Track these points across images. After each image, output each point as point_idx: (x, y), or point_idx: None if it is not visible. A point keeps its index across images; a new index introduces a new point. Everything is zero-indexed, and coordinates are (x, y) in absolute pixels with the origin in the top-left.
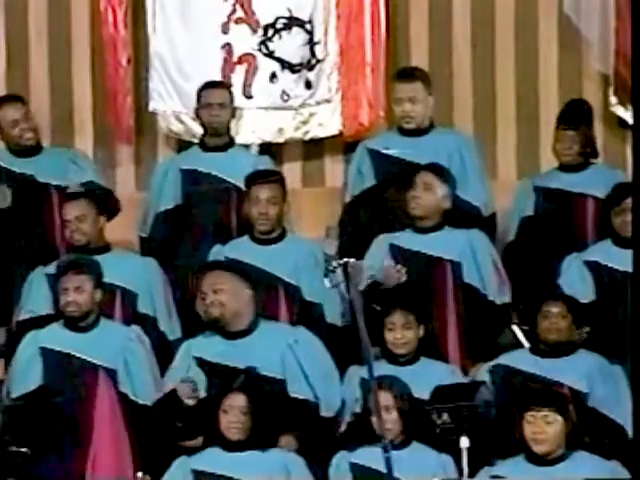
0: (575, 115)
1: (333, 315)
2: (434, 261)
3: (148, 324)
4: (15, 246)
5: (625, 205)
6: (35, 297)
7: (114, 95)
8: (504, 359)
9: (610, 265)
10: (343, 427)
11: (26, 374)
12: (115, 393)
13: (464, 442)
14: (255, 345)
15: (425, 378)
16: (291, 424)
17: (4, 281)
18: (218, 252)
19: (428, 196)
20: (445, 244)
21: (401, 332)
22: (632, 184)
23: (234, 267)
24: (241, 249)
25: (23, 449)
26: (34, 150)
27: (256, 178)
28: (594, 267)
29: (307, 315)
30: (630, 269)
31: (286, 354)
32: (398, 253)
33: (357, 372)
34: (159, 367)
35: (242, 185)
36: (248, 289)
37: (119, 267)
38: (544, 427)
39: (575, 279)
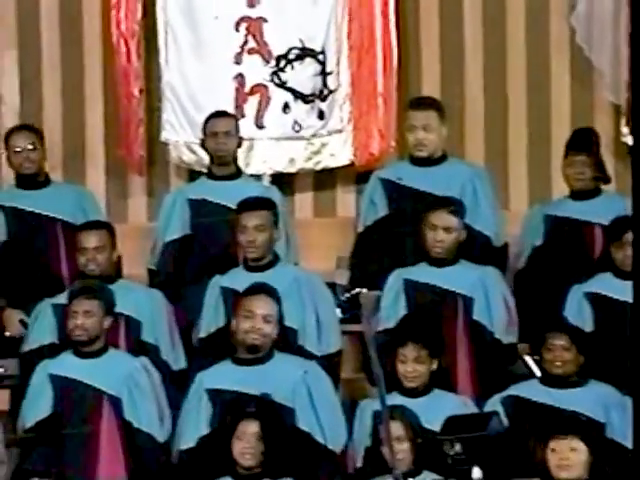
0: (584, 140)
1: (311, 342)
2: (446, 294)
3: (152, 353)
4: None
5: (625, 239)
6: (41, 327)
7: (126, 126)
8: (515, 390)
9: (610, 296)
10: (359, 462)
11: (37, 402)
12: (119, 421)
13: (476, 473)
14: (269, 373)
15: (437, 409)
16: (298, 455)
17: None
18: (216, 282)
19: (449, 237)
20: (458, 278)
21: (412, 365)
22: (632, 185)
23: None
24: (235, 278)
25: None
26: (41, 183)
27: (244, 206)
28: (594, 298)
29: (285, 341)
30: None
31: (298, 384)
32: (411, 287)
33: (369, 405)
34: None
35: None
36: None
37: (124, 296)
38: (569, 454)
39: (574, 310)
